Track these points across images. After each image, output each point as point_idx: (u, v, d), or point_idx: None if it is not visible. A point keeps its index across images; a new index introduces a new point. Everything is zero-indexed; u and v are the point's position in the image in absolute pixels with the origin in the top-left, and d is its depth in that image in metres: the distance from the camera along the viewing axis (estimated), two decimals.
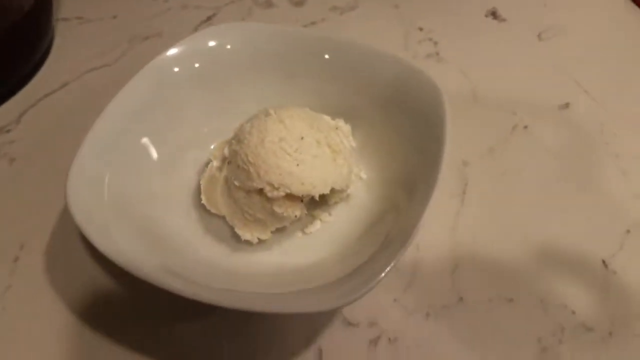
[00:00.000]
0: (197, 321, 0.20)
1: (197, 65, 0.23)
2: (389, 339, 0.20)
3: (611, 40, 0.32)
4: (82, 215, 0.17)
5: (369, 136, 0.23)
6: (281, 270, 0.20)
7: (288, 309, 0.16)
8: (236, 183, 0.20)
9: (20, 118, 0.27)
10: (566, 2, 0.34)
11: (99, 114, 0.20)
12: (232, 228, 0.21)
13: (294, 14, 0.32)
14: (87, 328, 0.20)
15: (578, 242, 0.23)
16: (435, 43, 0.31)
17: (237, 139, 0.20)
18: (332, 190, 0.20)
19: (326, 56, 0.23)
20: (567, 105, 0.28)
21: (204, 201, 0.21)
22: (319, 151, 0.20)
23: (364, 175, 0.23)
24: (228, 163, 0.21)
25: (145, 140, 0.22)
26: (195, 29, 0.31)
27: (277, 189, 0.19)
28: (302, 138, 0.20)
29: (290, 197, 0.19)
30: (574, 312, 0.20)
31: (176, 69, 0.22)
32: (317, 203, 0.22)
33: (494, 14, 0.33)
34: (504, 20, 0.33)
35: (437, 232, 0.23)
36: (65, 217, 0.22)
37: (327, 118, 0.22)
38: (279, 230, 0.21)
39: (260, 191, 0.19)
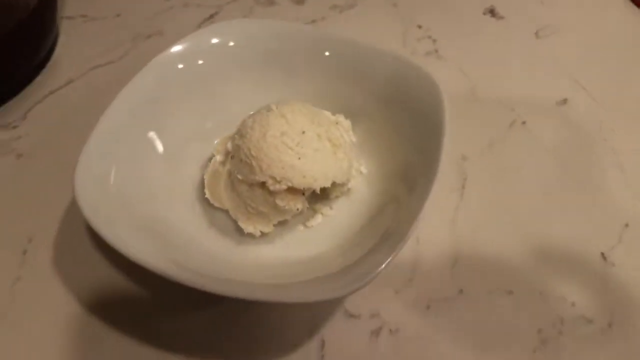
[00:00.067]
0: (202, 312, 0.20)
1: (200, 61, 0.23)
2: (390, 330, 0.20)
3: (608, 38, 0.32)
4: (90, 208, 0.18)
5: (368, 131, 0.24)
6: (283, 263, 0.21)
7: (291, 298, 0.17)
8: (239, 177, 0.20)
9: (27, 114, 0.27)
10: (563, 0, 0.34)
11: (103, 110, 0.20)
12: (235, 222, 0.21)
13: (295, 12, 0.33)
14: (94, 319, 0.20)
15: (577, 235, 0.23)
16: (434, 41, 0.31)
17: (240, 133, 0.21)
18: (333, 184, 0.21)
19: (327, 53, 0.24)
20: (565, 101, 0.28)
21: (207, 195, 0.22)
22: (320, 145, 0.20)
23: (364, 170, 0.24)
24: (231, 157, 0.21)
25: (149, 135, 0.22)
26: (198, 27, 0.31)
27: (279, 182, 0.19)
28: (303, 132, 0.20)
29: (292, 190, 0.20)
30: (573, 304, 0.21)
31: (180, 66, 0.23)
32: (318, 197, 0.22)
33: (492, 12, 0.33)
34: (501, 18, 0.33)
35: (437, 226, 0.23)
36: (72, 211, 0.23)
37: (327, 113, 0.23)
38: (281, 224, 0.22)
39: (263, 184, 0.20)
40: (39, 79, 0.28)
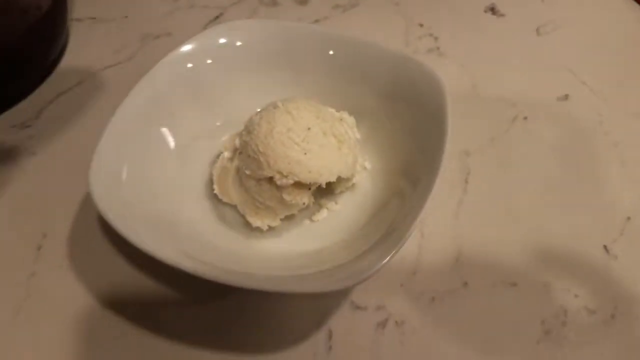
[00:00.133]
0: (212, 305, 0.21)
1: (209, 61, 0.24)
2: (396, 322, 0.20)
3: (609, 34, 0.32)
4: (104, 203, 0.18)
5: (372, 128, 0.24)
6: (290, 256, 0.21)
7: (299, 288, 0.17)
8: (247, 172, 0.21)
9: (40, 114, 0.28)
10: None
11: (114, 109, 0.21)
12: (243, 216, 0.22)
13: (298, 12, 0.33)
14: (108, 312, 0.20)
15: (579, 228, 0.23)
16: (436, 38, 0.32)
17: (247, 130, 0.21)
18: (338, 179, 0.21)
19: (331, 52, 0.24)
20: (566, 97, 0.29)
21: (216, 191, 0.22)
22: (325, 141, 0.21)
23: (368, 166, 0.24)
24: (239, 154, 0.22)
25: (160, 133, 0.23)
26: (204, 28, 0.32)
27: (286, 177, 0.20)
28: (308, 128, 0.20)
29: (299, 185, 0.20)
30: (576, 296, 0.21)
31: (189, 65, 0.23)
32: (323, 192, 0.22)
33: (492, 10, 0.34)
34: (502, 15, 0.33)
35: (441, 219, 0.23)
36: (85, 207, 0.23)
37: (332, 110, 0.23)
38: (288, 218, 0.22)
39: (270, 179, 0.20)
40: (51, 79, 0.29)
